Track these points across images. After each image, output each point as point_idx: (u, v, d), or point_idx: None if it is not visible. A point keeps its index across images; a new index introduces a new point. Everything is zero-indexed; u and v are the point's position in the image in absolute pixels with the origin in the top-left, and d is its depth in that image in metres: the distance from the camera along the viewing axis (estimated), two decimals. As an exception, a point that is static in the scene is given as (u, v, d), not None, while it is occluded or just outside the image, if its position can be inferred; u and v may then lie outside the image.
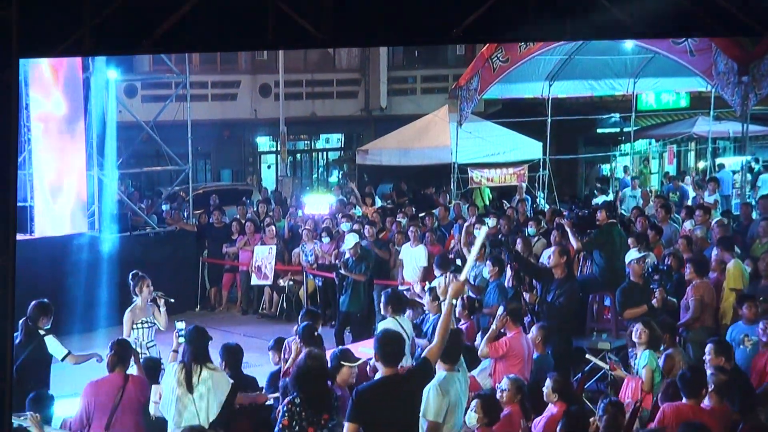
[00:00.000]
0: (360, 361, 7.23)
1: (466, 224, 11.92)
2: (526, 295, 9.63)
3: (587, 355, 8.88)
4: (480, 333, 9.13)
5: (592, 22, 5.99)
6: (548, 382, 7.19)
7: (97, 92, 14.27)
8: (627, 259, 9.92)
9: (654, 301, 9.34)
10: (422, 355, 5.84)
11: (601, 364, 8.63)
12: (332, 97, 26.48)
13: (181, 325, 7.86)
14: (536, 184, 20.16)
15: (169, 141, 16.20)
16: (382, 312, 8.87)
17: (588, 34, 8.07)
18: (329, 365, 6.79)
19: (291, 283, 14.72)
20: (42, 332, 8.99)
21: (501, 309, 8.09)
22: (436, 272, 10.50)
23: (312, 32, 5.73)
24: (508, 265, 9.77)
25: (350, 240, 12.19)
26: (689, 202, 16.40)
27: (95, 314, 13.52)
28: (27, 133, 13.96)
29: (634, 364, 8.14)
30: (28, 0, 5.47)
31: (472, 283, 10.67)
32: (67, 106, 13.95)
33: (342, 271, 12.08)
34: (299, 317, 8.72)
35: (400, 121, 22.51)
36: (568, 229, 10.75)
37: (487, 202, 20.39)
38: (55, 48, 5.98)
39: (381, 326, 8.64)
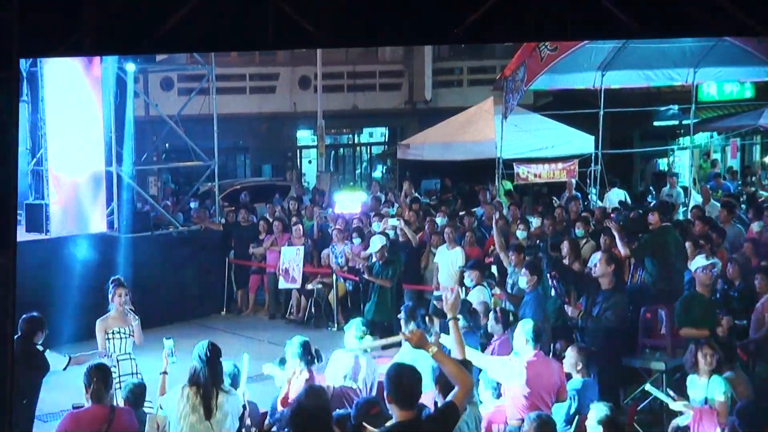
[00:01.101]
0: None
1: (498, 222, 10.79)
2: (568, 309, 8.53)
3: (647, 387, 7.79)
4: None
5: (592, 22, 5.95)
6: (593, 414, 6.15)
7: (117, 85, 13.55)
8: (692, 267, 8.76)
9: (719, 329, 8.16)
10: (448, 399, 5.09)
11: (663, 397, 7.51)
12: (374, 89, 25.60)
13: (169, 343, 6.99)
14: (587, 180, 18.98)
15: (205, 135, 15.41)
16: (403, 327, 7.89)
17: (588, 34, 7.83)
18: (352, 413, 5.87)
19: (320, 286, 13.83)
20: (40, 347, 8.17)
21: (525, 329, 6.97)
22: (467, 277, 9.44)
23: (312, 32, 5.71)
24: (549, 275, 8.67)
25: (376, 242, 11.22)
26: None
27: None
28: (43, 127, 13.32)
29: (697, 391, 7.07)
30: (29, 0, 5.48)
31: (509, 291, 9.62)
32: (85, 99, 13.26)
33: (366, 276, 11.11)
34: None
35: (445, 114, 21.51)
36: (615, 234, 9.63)
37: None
38: (55, 48, 5.98)
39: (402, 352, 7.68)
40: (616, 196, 17.79)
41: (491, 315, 8.30)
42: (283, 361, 7.29)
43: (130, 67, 13.51)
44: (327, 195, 18.16)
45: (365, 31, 6.15)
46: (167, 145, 22.25)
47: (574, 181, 17.93)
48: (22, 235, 13.22)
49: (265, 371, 7.68)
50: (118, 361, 8.19)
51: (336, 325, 13.47)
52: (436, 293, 12.14)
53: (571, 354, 7.09)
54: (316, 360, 7.05)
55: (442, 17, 5.96)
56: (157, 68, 18.24)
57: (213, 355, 6.37)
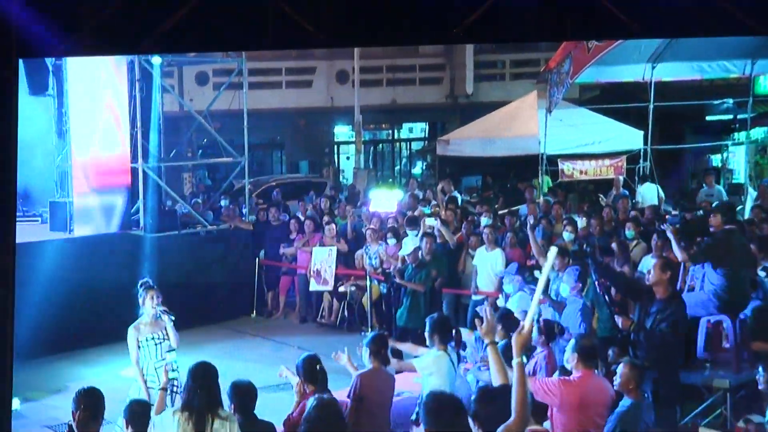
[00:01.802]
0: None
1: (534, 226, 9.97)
2: (618, 320, 7.73)
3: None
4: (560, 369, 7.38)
5: (592, 22, 5.93)
6: None
7: (142, 78, 13.04)
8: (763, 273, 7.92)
9: None
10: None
11: None
12: (414, 83, 24.90)
13: (172, 356, 6.39)
14: (636, 178, 18.08)
15: (240, 130, 14.88)
16: (428, 342, 7.19)
17: (588, 34, 7.80)
18: None
19: (353, 289, 13.17)
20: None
21: (571, 343, 6.23)
22: (507, 282, 8.69)
23: (312, 32, 5.71)
24: (596, 282, 7.88)
25: (408, 244, 10.52)
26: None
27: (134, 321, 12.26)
28: (67, 122, 12.86)
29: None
30: (29, 0, 5.46)
31: (554, 298, 8.85)
32: (111, 92, 12.76)
33: (397, 280, 10.42)
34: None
35: (487, 109, 20.74)
36: (671, 237, 8.80)
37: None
38: (55, 48, 5.95)
39: (425, 363, 7.00)
40: (648, 191, 16.93)
41: (534, 327, 7.54)
42: None
43: (156, 60, 12.99)
44: (362, 193, 17.51)
45: (365, 31, 6.10)
46: (204, 140, 21.83)
47: (621, 178, 17.05)
48: (46, 234, 12.82)
49: (281, 374, 7.00)
50: (156, 369, 7.56)
51: (369, 329, 12.81)
52: (474, 298, 11.45)
53: (623, 372, 6.31)
54: (319, 378, 6.40)
55: (442, 17, 5.94)
56: (191, 62, 17.79)
57: (208, 376, 5.78)
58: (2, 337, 5.57)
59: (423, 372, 6.99)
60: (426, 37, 7.20)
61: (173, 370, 6.37)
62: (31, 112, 14.07)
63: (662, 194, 16.88)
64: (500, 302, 9.34)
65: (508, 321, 7.08)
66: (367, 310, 12.95)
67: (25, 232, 12.93)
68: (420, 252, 10.63)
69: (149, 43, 5.91)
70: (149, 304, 7.79)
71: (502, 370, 4.94)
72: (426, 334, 7.16)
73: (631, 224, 11.25)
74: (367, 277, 12.81)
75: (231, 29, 5.93)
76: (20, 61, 6.16)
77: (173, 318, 7.72)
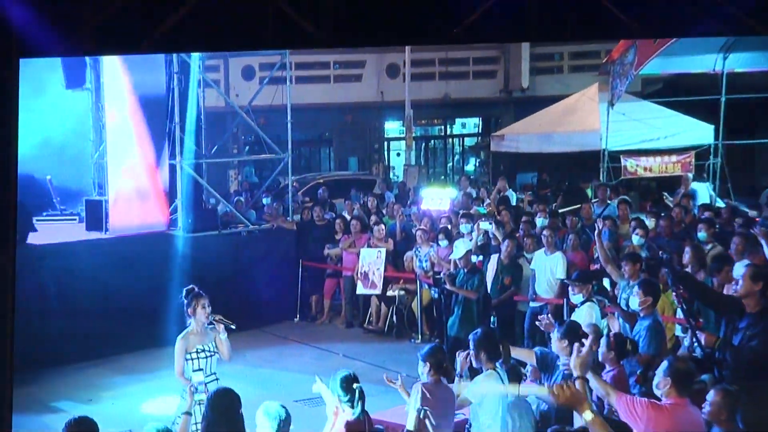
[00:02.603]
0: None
1: (597, 229, 8.98)
2: (701, 336, 6.79)
3: None
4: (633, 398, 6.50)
5: (592, 22, 5.89)
6: None
7: (180, 71, 12.40)
8: None
9: None
10: None
11: None
12: (468, 77, 24.06)
13: (198, 376, 5.67)
14: (705, 175, 16.99)
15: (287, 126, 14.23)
16: (474, 362, 6.36)
17: (588, 34, 7.73)
18: None
19: (402, 293, 12.38)
20: None
21: (664, 365, 5.33)
22: (572, 293, 7.79)
23: (312, 32, 5.72)
24: (674, 293, 6.95)
25: (460, 247, 9.68)
26: None
27: (172, 327, 11.63)
28: (103, 116, 12.30)
29: None
30: (29, 0, 5.49)
31: (625, 308, 7.94)
32: (148, 85, 12.15)
33: (447, 286, 9.58)
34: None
35: (543, 103, 19.84)
36: (763, 242, 7.82)
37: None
38: (55, 48, 5.92)
39: (477, 391, 6.21)
40: (699, 190, 15.92)
41: (603, 341, 6.65)
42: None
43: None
44: (413, 191, 16.69)
45: (365, 31, 6.07)
46: (252, 137, 21.26)
47: (690, 175, 15.97)
48: (82, 233, 12.29)
49: (315, 389, 6.37)
50: (206, 385, 6.85)
51: (420, 337, 12.03)
52: (532, 305, 10.57)
53: (714, 401, 5.39)
54: (358, 400, 5.64)
55: (442, 17, 5.92)
56: (234, 55, 17.20)
57: (231, 407, 5.09)
58: (2, 337, 5.49)
59: (476, 400, 6.20)
60: (426, 37, 7.12)
61: (196, 391, 5.64)
62: (71, 105, 13.69)
63: (712, 193, 16.09)
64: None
65: (576, 336, 6.21)
66: (417, 316, 12.16)
67: (62, 231, 12.51)
68: (470, 255, 9.78)
69: (149, 43, 5.87)
70: (201, 313, 7.07)
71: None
72: (471, 353, 6.38)
73: (704, 225, 10.24)
74: (417, 281, 12.02)
75: (231, 29, 5.92)
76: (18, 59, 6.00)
77: (233, 327, 7.04)
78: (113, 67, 11.70)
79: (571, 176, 19.38)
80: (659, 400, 5.29)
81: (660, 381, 5.19)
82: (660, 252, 8.30)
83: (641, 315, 7.29)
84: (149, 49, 6.52)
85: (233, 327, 7.07)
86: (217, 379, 6.99)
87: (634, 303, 7.25)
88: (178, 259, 12.08)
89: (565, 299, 10.19)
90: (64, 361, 10.76)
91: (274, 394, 7.65)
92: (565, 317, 10.08)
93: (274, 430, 5.32)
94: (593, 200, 14.99)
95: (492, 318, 10.14)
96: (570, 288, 7.65)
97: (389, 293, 12.40)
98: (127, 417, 9.29)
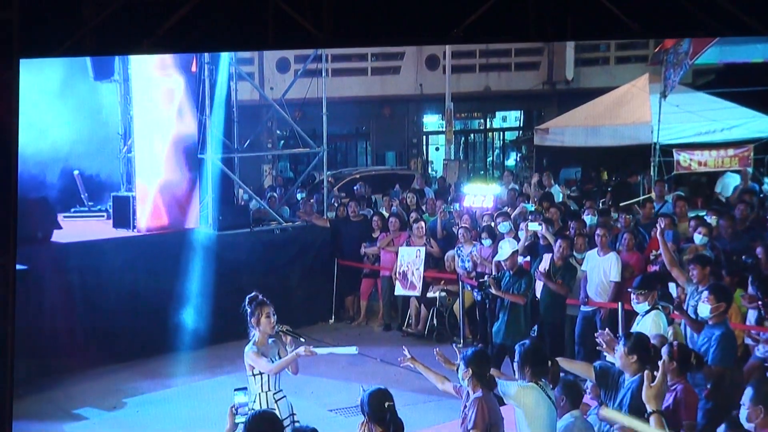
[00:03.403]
0: None
1: (660, 228, 8.15)
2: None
3: None
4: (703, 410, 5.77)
5: (592, 22, 5.87)
6: None
7: (211, 61, 11.86)
8: None
9: None
10: None
11: None
12: (510, 69, 23.35)
13: (241, 398, 5.04)
14: (763, 169, 16.11)
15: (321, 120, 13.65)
16: (517, 374, 5.69)
17: (588, 34, 7.72)
18: None
19: (443, 294, 11.70)
20: None
21: (749, 393, 4.56)
22: (635, 302, 7.05)
23: (312, 32, 5.73)
24: (760, 302, 6.20)
25: (506, 248, 8.97)
26: None
27: (203, 328, 11.14)
28: (131, 109, 11.79)
29: None
30: (29, 0, 5.54)
31: (693, 316, 7.20)
32: (178, 79, 11.62)
33: (493, 291, 8.87)
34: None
35: (588, 96, 19.08)
36: None
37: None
38: (55, 48, 5.98)
39: (511, 391, 5.55)
40: (732, 181, 15.21)
41: (664, 350, 5.90)
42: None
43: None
44: (453, 187, 16.00)
45: (365, 31, 6.05)
46: (287, 131, 20.76)
47: (750, 170, 15.10)
48: (109, 231, 11.80)
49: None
50: (276, 401, 6.35)
51: (462, 341, 11.33)
52: (583, 309, 9.85)
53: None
54: (389, 422, 4.98)
55: (442, 17, 5.91)
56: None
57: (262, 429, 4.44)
58: (2, 336, 5.44)
59: (507, 401, 5.58)
60: (426, 37, 7.14)
61: (237, 413, 4.99)
62: (100, 98, 13.25)
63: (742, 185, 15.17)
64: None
65: (645, 351, 5.50)
66: (458, 319, 11.48)
67: (88, 229, 12.05)
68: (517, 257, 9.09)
69: (149, 43, 5.86)
70: (266, 324, 6.42)
71: None
72: (515, 365, 5.72)
73: (774, 224, 9.45)
74: (459, 282, 11.33)
75: (231, 29, 5.94)
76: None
77: (302, 339, 6.41)
78: (142, 58, 11.18)
79: (618, 171, 18.61)
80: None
81: (750, 412, 4.38)
82: (743, 256, 7.50)
83: (711, 323, 6.56)
84: (149, 49, 6.58)
85: (302, 339, 6.44)
86: (284, 396, 6.43)
87: (705, 310, 6.52)
88: (208, 258, 11.57)
89: (620, 303, 9.49)
90: (89, 364, 10.28)
91: (308, 404, 7.07)
92: (619, 323, 9.39)
93: None
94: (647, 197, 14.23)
95: (534, 327, 9.44)
96: (633, 296, 6.91)
97: (429, 295, 11.74)
98: (151, 426, 8.77)
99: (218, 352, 11.19)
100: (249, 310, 6.50)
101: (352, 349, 6.39)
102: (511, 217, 11.93)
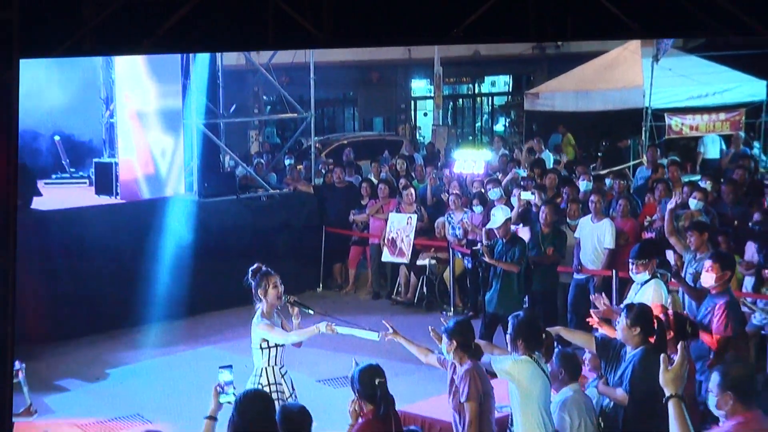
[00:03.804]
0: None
1: (670, 205, 7.90)
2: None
3: None
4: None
5: (592, 22, 5.90)
6: None
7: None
8: None
9: None
10: None
11: None
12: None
13: (226, 375, 4.79)
14: (753, 134, 15.96)
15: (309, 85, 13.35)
16: (509, 347, 5.50)
17: (588, 34, 7.72)
18: None
19: (433, 262, 11.51)
20: None
21: (716, 378, 4.01)
22: (634, 272, 6.85)
23: (312, 32, 5.72)
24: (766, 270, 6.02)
25: (499, 215, 8.74)
26: None
27: (188, 297, 10.90)
28: (113, 72, 11.46)
29: None
30: (29, 0, 5.52)
31: (691, 284, 7.03)
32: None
33: (486, 260, 8.65)
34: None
35: (579, 60, 18.72)
36: None
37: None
38: (55, 48, 5.99)
39: (503, 366, 5.35)
40: (712, 143, 15.34)
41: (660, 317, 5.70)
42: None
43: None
44: (443, 152, 15.74)
45: (365, 31, 6.06)
46: (274, 96, 20.39)
47: (742, 134, 14.94)
48: (91, 198, 11.53)
49: None
50: (282, 376, 6.17)
51: (452, 309, 11.18)
52: (576, 277, 9.68)
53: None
54: (380, 398, 4.81)
55: (442, 17, 5.92)
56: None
57: (263, 412, 4.32)
58: (2, 336, 5.41)
59: (501, 375, 5.38)
60: (426, 37, 7.21)
61: (224, 392, 4.74)
62: (81, 62, 12.87)
63: (724, 146, 15.41)
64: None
65: (648, 323, 5.31)
66: (449, 287, 11.31)
67: (70, 195, 11.75)
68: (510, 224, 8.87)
69: (149, 43, 5.88)
70: (273, 295, 6.16)
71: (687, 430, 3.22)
72: (507, 337, 5.53)
73: (771, 190, 9.28)
74: (450, 250, 11.14)
75: (231, 29, 5.94)
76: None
77: (311, 312, 6.25)
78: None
79: (609, 136, 18.41)
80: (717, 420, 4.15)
81: (718, 399, 3.98)
82: (750, 223, 7.30)
83: (714, 292, 6.37)
84: (150, 49, 6.62)
85: (311, 312, 6.22)
86: (287, 371, 6.25)
87: (710, 279, 6.32)
88: (193, 226, 11.33)
89: (614, 271, 9.33)
90: (72, 334, 10.05)
91: (296, 375, 6.89)
92: (613, 291, 9.24)
93: None
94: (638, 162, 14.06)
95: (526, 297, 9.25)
96: (633, 266, 6.71)
97: (419, 262, 11.55)
98: (134, 399, 8.56)
99: (204, 321, 11.04)
100: (254, 282, 6.25)
101: (374, 335, 6.16)
102: (503, 183, 11.74)
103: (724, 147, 15.49)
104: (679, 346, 3.40)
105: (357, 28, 6.10)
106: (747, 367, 4.29)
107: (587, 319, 5.94)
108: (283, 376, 6.17)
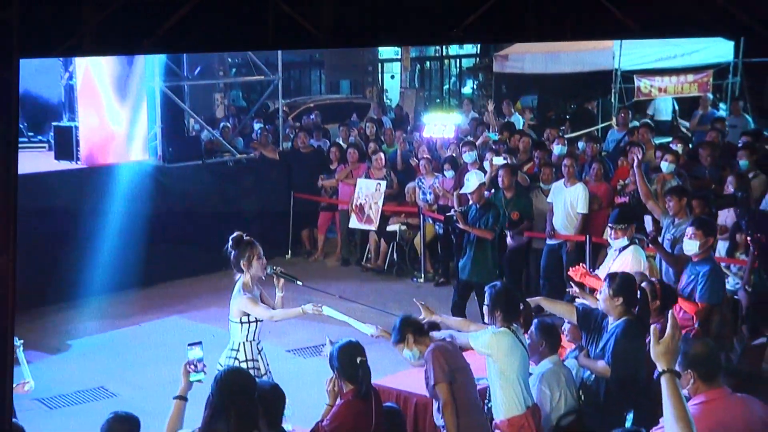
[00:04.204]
0: None
1: (637, 161, 7.74)
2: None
3: None
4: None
5: (592, 22, 5.78)
6: None
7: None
8: None
9: None
10: None
11: None
12: (467, -7, 22.49)
13: (196, 352, 4.57)
14: (720, 95, 15.90)
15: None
16: (486, 318, 5.34)
17: (588, 34, 7.59)
18: None
19: (404, 227, 11.35)
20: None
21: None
22: (612, 237, 6.72)
23: (312, 32, 5.73)
24: (748, 237, 5.91)
25: (473, 180, 8.55)
26: None
27: (153, 265, 10.65)
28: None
29: None
30: (29, 0, 5.44)
31: (669, 250, 6.92)
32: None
33: (460, 226, 8.47)
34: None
35: (548, 22, 18.40)
36: None
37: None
38: (55, 48, 5.94)
39: (481, 342, 5.18)
40: (663, 104, 15.35)
41: (644, 287, 5.57)
42: None
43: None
44: (413, 116, 15.48)
45: (365, 31, 6.05)
46: (239, 58, 19.89)
47: (710, 96, 14.87)
48: (51, 164, 11.14)
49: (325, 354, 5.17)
50: (259, 352, 5.95)
51: (423, 276, 11.04)
52: (549, 242, 9.56)
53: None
54: (362, 377, 4.60)
55: (442, 17, 5.89)
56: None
57: (243, 392, 4.09)
58: (2, 336, 4.81)
59: (481, 351, 5.21)
60: (426, 37, 7.14)
61: (197, 371, 4.53)
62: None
63: (677, 107, 15.49)
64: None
65: (631, 293, 5.17)
66: (419, 253, 11.15)
67: (28, 161, 11.30)
68: (484, 189, 8.68)
69: (150, 43, 5.76)
70: (258, 266, 5.92)
71: (681, 406, 3.06)
72: (485, 308, 5.35)
73: (745, 152, 9.19)
74: (420, 215, 10.97)
75: (231, 29, 5.87)
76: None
77: (300, 283, 6.01)
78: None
79: (576, 98, 18.27)
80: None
81: (681, 378, 3.62)
82: (734, 190, 7.17)
83: (696, 259, 6.26)
84: (150, 49, 6.56)
85: (300, 283, 5.97)
86: (263, 348, 6.04)
87: (693, 246, 6.19)
88: (158, 192, 11.07)
89: (587, 236, 9.23)
90: (32, 303, 9.69)
91: (264, 344, 6.71)
92: (587, 256, 9.14)
93: None
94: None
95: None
96: (611, 232, 6.58)
97: (389, 228, 11.37)
98: (98, 371, 8.33)
99: (170, 289, 10.80)
100: (235, 252, 5.98)
101: (370, 330, 5.85)
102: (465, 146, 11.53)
103: (676, 107, 15.43)
104: (669, 316, 3.21)
105: (357, 28, 6.03)
106: (707, 344, 4.06)
107: (567, 290, 5.80)
108: (260, 352, 5.96)
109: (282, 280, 5.99)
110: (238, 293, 5.88)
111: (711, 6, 5.50)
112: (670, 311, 3.21)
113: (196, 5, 5.61)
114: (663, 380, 3.09)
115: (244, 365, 5.78)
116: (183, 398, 4.49)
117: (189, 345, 4.56)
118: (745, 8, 5.50)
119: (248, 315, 5.85)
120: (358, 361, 4.62)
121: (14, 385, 5.77)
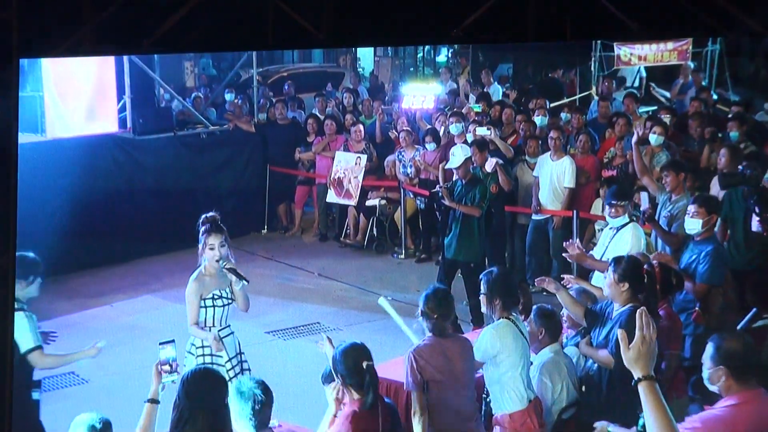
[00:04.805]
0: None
1: (633, 140, 7.44)
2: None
3: None
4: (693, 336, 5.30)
5: (592, 22, 5.87)
6: None
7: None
8: None
9: None
10: None
11: None
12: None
13: (168, 351, 4.24)
14: (702, 64, 15.68)
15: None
16: (484, 308, 5.02)
17: (588, 34, 7.76)
18: None
19: (383, 202, 11.02)
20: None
21: (710, 350, 3.66)
22: (610, 214, 6.45)
23: (312, 32, 5.76)
24: (753, 213, 5.68)
25: (458, 154, 8.22)
26: None
27: (122, 243, 10.26)
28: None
29: None
30: (28, 0, 5.48)
31: (666, 228, 6.68)
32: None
33: (445, 202, 8.14)
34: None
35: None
36: None
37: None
38: (55, 48, 6.01)
39: (486, 345, 4.84)
40: (629, 73, 15.14)
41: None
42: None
43: None
44: (390, 85, 15.09)
45: (365, 31, 6.06)
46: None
47: (691, 64, 14.64)
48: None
49: (321, 347, 4.75)
50: (221, 339, 5.55)
51: (404, 252, 10.76)
52: (535, 218, 9.31)
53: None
54: (369, 384, 4.20)
55: (442, 17, 5.92)
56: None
57: (213, 393, 3.81)
58: (2, 336, 5.28)
59: (488, 356, 4.83)
60: (426, 37, 7.23)
61: (171, 371, 4.20)
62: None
63: (644, 74, 15.31)
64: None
65: (637, 278, 4.90)
66: (400, 229, 10.85)
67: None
68: (470, 164, 8.35)
69: (149, 43, 5.87)
70: (210, 256, 5.53)
71: (667, 424, 2.80)
72: (482, 297, 4.99)
73: (735, 123, 8.94)
74: (401, 189, 10.65)
75: (231, 29, 5.93)
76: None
77: (247, 282, 5.58)
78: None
79: (546, 67, 18.00)
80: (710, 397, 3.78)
81: (711, 373, 3.62)
82: (742, 167, 6.90)
83: (698, 238, 6.00)
84: (149, 49, 6.60)
85: (247, 282, 5.59)
86: (232, 333, 5.66)
87: (696, 225, 5.93)
88: (129, 165, 10.70)
89: (574, 211, 8.99)
90: (-2, 284, 9.30)
91: (243, 325, 6.41)
92: (574, 232, 8.91)
93: (248, 416, 4.02)
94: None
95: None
96: (610, 210, 6.30)
97: (369, 203, 11.04)
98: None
99: (141, 267, 10.42)
100: (201, 232, 5.63)
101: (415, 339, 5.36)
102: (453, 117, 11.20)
103: (644, 74, 15.18)
104: (636, 316, 2.93)
105: (357, 28, 6.11)
106: (743, 339, 3.77)
107: (563, 282, 5.50)
108: (222, 339, 5.55)
109: (234, 277, 5.56)
110: (192, 277, 5.57)
111: (711, 6, 5.65)
112: (639, 310, 2.90)
113: (196, 5, 5.75)
114: (641, 389, 2.82)
115: (200, 352, 5.48)
116: (155, 401, 4.16)
117: (160, 344, 4.23)
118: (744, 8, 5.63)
119: (204, 300, 5.52)
120: (364, 366, 4.15)
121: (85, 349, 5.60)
